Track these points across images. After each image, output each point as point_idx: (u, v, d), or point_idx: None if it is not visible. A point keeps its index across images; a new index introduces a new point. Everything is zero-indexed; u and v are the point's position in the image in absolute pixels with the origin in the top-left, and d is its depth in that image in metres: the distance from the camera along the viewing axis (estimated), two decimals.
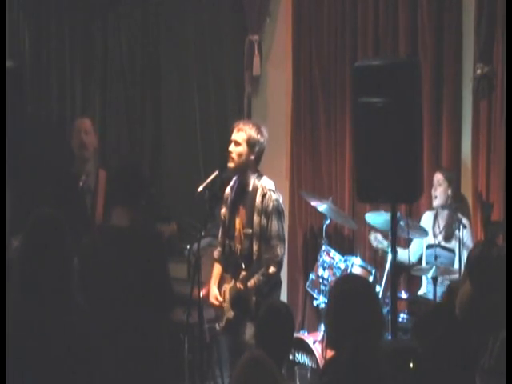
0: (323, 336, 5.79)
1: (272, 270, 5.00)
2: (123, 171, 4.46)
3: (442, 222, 5.91)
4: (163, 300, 4.21)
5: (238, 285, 5.01)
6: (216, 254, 5.33)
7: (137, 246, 4.19)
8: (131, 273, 4.11)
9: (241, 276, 5.01)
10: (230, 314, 5.14)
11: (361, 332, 3.26)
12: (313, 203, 6.25)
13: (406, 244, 5.92)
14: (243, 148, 5.04)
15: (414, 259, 6.00)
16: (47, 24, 7.53)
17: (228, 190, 5.27)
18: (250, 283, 4.98)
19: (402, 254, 5.76)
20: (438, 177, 5.82)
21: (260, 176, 5.12)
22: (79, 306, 3.55)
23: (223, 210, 5.26)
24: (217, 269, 5.31)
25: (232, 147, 5.07)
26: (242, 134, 5.05)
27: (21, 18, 7.55)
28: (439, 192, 5.81)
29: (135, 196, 4.31)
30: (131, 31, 7.49)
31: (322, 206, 6.17)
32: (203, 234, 5.05)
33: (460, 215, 5.73)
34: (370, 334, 3.29)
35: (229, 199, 5.22)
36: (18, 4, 7.51)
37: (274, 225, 5.02)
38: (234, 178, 5.23)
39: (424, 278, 5.98)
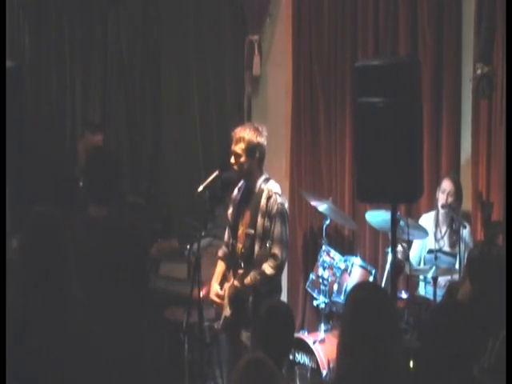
0: (324, 338, 5.80)
1: (270, 271, 4.98)
2: (97, 162, 4.40)
3: (443, 227, 5.89)
4: (142, 296, 4.17)
5: (236, 283, 5.02)
6: (220, 252, 5.33)
7: (112, 238, 4.14)
8: (108, 267, 4.06)
9: (238, 274, 5.02)
10: (227, 311, 5.14)
11: (378, 339, 3.26)
12: (313, 203, 6.25)
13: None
14: (243, 158, 5.02)
15: (414, 263, 5.97)
16: (47, 24, 7.53)
17: (236, 191, 5.27)
18: (247, 280, 4.98)
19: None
20: (450, 187, 5.76)
21: (267, 180, 5.12)
22: (78, 302, 3.56)
23: (230, 211, 5.27)
24: (220, 267, 5.31)
25: (233, 159, 5.06)
26: (240, 144, 5.02)
27: (21, 18, 7.55)
28: (447, 201, 5.75)
29: (110, 187, 4.26)
30: (131, 31, 7.49)
31: (322, 206, 6.17)
32: (203, 233, 5.05)
33: (460, 216, 5.73)
34: (387, 341, 3.29)
35: (236, 200, 5.23)
36: (18, 4, 7.51)
37: (277, 228, 5.01)
38: (242, 181, 5.24)
39: (420, 279, 5.98)
